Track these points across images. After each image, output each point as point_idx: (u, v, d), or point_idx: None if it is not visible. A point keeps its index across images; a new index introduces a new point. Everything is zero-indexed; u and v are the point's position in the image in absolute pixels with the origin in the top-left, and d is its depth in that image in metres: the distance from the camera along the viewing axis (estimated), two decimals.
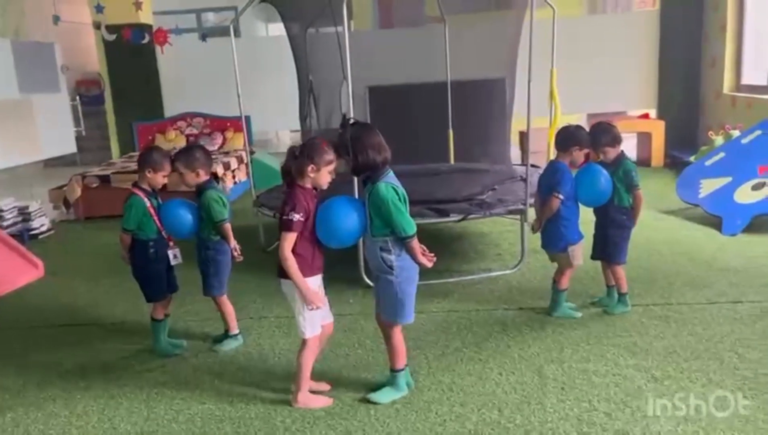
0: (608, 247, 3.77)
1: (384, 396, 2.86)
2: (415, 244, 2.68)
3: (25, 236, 6.18)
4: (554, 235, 3.72)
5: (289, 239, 2.66)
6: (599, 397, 2.87)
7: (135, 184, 3.47)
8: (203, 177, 3.46)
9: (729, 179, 5.75)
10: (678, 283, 4.21)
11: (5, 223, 6.03)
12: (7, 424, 2.93)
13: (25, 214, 6.37)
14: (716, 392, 2.84)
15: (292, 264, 2.67)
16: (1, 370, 3.50)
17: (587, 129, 3.82)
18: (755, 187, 5.48)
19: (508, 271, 4.65)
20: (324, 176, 2.73)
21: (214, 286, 3.56)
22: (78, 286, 4.82)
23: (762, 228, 5.26)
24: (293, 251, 2.68)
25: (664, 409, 2.73)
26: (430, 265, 2.72)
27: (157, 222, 3.43)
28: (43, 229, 6.56)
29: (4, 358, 3.64)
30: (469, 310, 3.97)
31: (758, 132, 6.02)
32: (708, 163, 6.21)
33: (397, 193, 2.66)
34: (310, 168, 2.68)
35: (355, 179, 3.71)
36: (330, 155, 2.70)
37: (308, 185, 2.72)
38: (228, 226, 3.47)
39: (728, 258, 4.66)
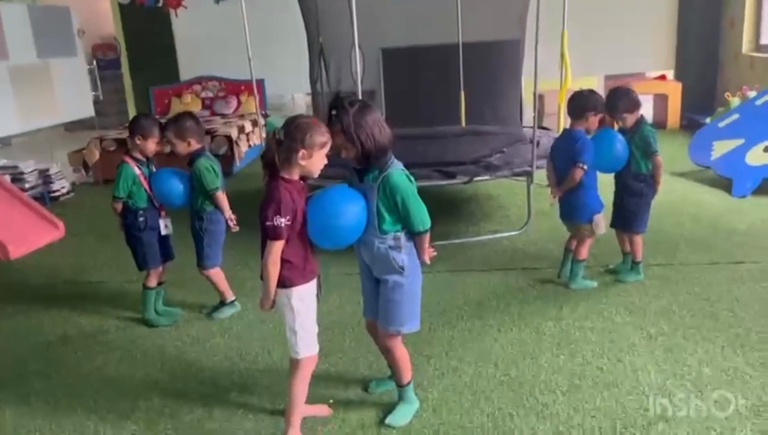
0: (626, 215, 3.69)
1: (401, 417, 2.54)
2: (428, 238, 2.39)
3: (45, 198, 6.37)
4: (578, 206, 3.60)
5: (276, 248, 2.22)
6: (593, 352, 2.97)
7: (127, 152, 3.46)
8: (195, 146, 3.41)
9: (741, 141, 5.71)
10: (682, 244, 4.25)
11: (27, 185, 6.21)
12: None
13: (45, 177, 6.55)
14: (707, 348, 2.92)
15: (273, 275, 2.25)
16: (28, 323, 3.68)
17: (604, 92, 3.75)
18: (767, 150, 5.44)
19: (513, 233, 4.71)
20: (317, 162, 2.26)
21: (209, 256, 3.53)
22: (96, 246, 5.00)
23: None
24: (287, 260, 2.27)
25: (655, 364, 2.82)
26: (429, 262, 2.45)
27: (148, 191, 3.42)
28: (63, 191, 6.75)
29: (28, 312, 3.82)
30: (473, 270, 4.06)
31: None
32: (721, 124, 6.15)
33: (411, 181, 2.33)
34: (300, 154, 2.20)
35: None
36: (324, 136, 2.24)
37: (295, 176, 2.27)
38: (221, 194, 3.44)
39: (734, 220, 4.67)
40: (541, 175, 4.96)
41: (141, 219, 3.43)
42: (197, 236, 3.52)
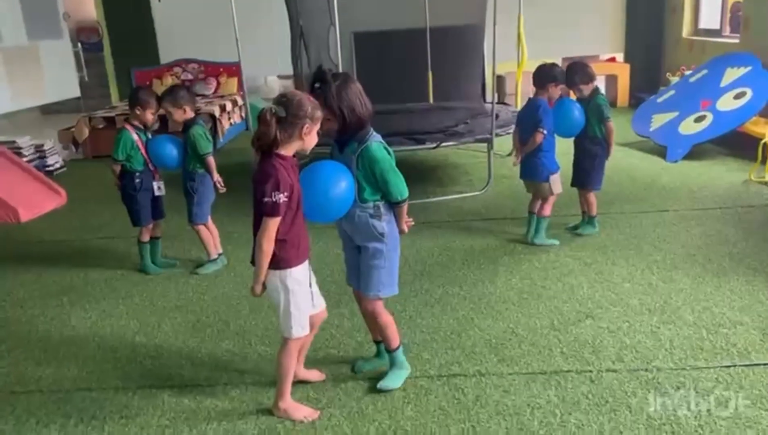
0: (583, 175, 4.14)
1: (394, 380, 2.61)
2: (406, 207, 2.49)
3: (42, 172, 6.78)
4: (535, 167, 3.96)
5: (273, 225, 2.19)
6: (539, 276, 3.63)
7: (127, 120, 3.86)
8: (189, 113, 3.78)
9: (676, 113, 6.46)
10: (619, 198, 4.95)
11: (24, 160, 6.61)
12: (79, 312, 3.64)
13: (41, 152, 6.96)
14: (630, 270, 3.61)
15: (267, 254, 2.23)
16: (46, 273, 4.18)
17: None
18: (697, 120, 6.18)
19: (477, 193, 5.36)
20: (314, 137, 2.29)
21: (198, 214, 3.90)
22: (97, 209, 5.48)
23: (699, 155, 6.00)
24: (283, 239, 2.25)
25: (588, 283, 3.49)
26: (407, 230, 2.54)
27: (144, 155, 3.81)
28: (57, 166, 7.17)
29: (42, 266, 4.32)
30: (441, 220, 4.70)
31: (704, 71, 6.73)
32: (660, 100, 6.92)
33: (389, 153, 2.41)
34: (305, 129, 2.22)
35: None
36: (319, 109, 2.27)
37: (291, 153, 2.26)
38: (212, 159, 3.81)
39: (665, 180, 5.40)
40: (499, 144, 5.63)
41: (137, 180, 3.82)
42: (188, 195, 3.90)
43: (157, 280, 3.89)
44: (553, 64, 4.03)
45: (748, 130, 5.81)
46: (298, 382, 2.62)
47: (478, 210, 4.93)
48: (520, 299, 3.36)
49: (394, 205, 2.46)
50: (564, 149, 4.21)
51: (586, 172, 4.15)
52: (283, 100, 2.21)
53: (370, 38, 7.27)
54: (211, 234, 4.03)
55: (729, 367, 2.63)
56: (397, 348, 2.62)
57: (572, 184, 4.26)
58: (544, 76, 3.92)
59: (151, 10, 9.67)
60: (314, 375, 2.70)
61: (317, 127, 2.28)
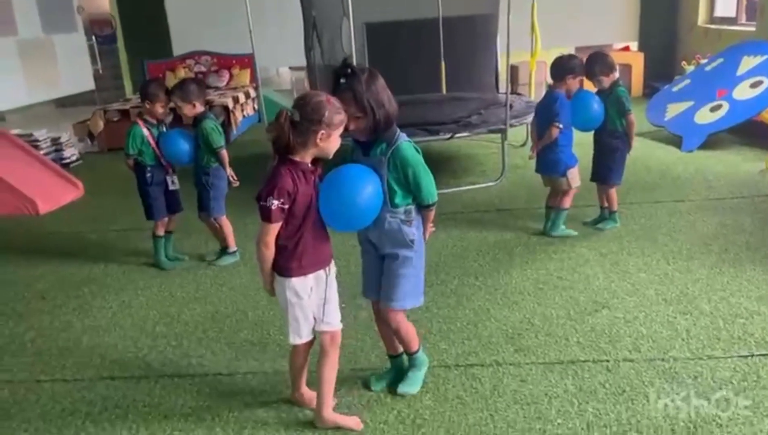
0: (603, 169, 4.02)
1: (413, 384, 2.53)
2: (434, 212, 2.37)
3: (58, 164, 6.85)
4: (553, 162, 3.91)
5: (268, 230, 2.11)
6: (555, 266, 3.64)
7: (139, 115, 3.90)
8: (199, 108, 3.77)
9: (691, 103, 6.41)
10: (635, 188, 4.93)
11: (42, 152, 6.68)
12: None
13: (57, 145, 7.03)
14: (645, 260, 3.61)
15: (265, 259, 2.17)
16: (65, 264, 4.24)
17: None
18: (713, 109, 6.13)
19: (490, 184, 5.36)
20: (334, 142, 2.13)
21: (214, 208, 3.91)
22: (113, 201, 5.53)
23: (714, 145, 5.96)
24: (284, 246, 2.16)
25: (603, 273, 3.50)
26: (427, 237, 2.45)
27: (156, 150, 3.80)
28: (73, 158, 7.24)
29: (61, 257, 4.38)
30: (455, 211, 4.71)
31: (720, 60, 6.67)
32: (675, 89, 6.87)
33: (419, 153, 2.26)
34: (320, 135, 2.07)
35: None
36: (341, 114, 2.10)
37: (307, 159, 2.13)
38: (225, 152, 3.81)
39: (680, 169, 5.38)
40: (513, 135, 5.63)
41: (149, 175, 3.83)
42: (204, 190, 3.90)
43: (175, 272, 3.94)
44: (571, 56, 3.95)
45: (765, 119, 5.76)
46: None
47: (491, 201, 4.93)
48: (536, 290, 3.37)
49: (423, 209, 2.33)
50: (580, 141, 4.13)
51: (607, 167, 4.03)
52: (300, 102, 2.08)
53: (383, 29, 7.26)
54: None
55: (746, 356, 2.63)
56: (418, 350, 2.53)
57: (592, 179, 4.16)
58: (562, 67, 3.83)
59: (163, 2, 9.70)
60: (347, 421, 2.37)
61: (337, 132, 2.11)
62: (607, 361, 2.67)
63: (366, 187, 2.15)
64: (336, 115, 2.08)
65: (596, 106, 3.87)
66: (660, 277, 3.41)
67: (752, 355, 2.63)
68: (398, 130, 2.26)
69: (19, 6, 7.08)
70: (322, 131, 2.06)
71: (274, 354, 2.90)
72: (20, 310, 3.55)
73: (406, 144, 2.22)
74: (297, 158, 2.10)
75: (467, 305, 3.25)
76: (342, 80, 2.18)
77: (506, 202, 4.86)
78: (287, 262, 2.18)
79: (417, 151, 2.25)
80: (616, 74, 3.93)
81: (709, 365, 2.59)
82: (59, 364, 2.94)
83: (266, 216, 2.09)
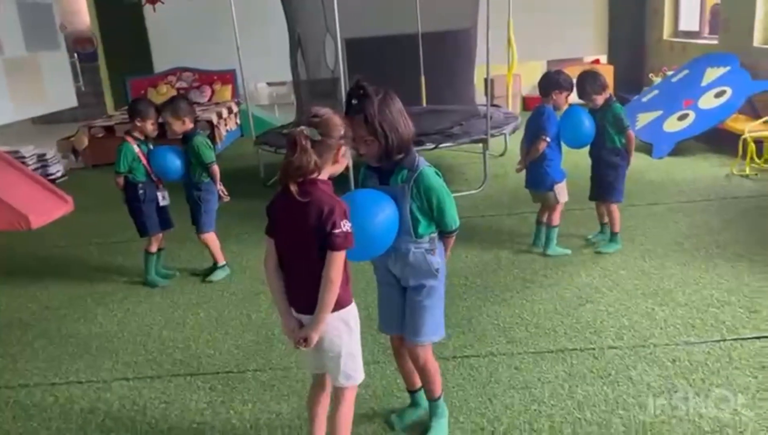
0: (603, 187, 3.95)
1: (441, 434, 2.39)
2: (454, 238, 2.26)
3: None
4: (540, 176, 3.88)
5: (341, 259, 1.91)
6: (540, 265, 3.86)
7: (128, 132, 3.85)
8: (188, 124, 3.80)
9: (660, 112, 6.74)
10: None
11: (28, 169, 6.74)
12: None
13: (43, 161, 7.09)
14: (624, 259, 3.86)
15: (334, 295, 1.93)
16: (66, 276, 4.34)
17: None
18: (680, 118, 6.46)
19: (473, 191, 5.59)
20: (344, 159, 2.01)
21: (206, 223, 3.93)
22: (102, 216, 5.60)
23: (683, 151, 6.29)
24: None
25: (585, 271, 3.73)
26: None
27: (147, 166, 3.82)
28: (59, 174, 7.30)
29: (61, 270, 4.48)
30: None
31: (686, 71, 7.03)
32: (644, 99, 7.21)
33: (440, 178, 2.15)
34: (342, 150, 1.96)
35: None
36: (348, 128, 1.99)
37: (326, 177, 1.97)
38: (216, 168, 3.85)
39: (652, 175, 5.68)
40: (493, 145, 5.87)
41: (141, 192, 3.84)
42: (195, 205, 3.93)
43: (175, 282, 4.06)
44: (558, 71, 3.95)
45: (729, 126, 6.09)
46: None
47: (476, 207, 5.15)
48: (524, 287, 3.58)
49: (445, 236, 2.22)
50: (575, 160, 4.20)
51: (609, 184, 3.94)
52: (315, 120, 1.90)
53: (362, 45, 7.45)
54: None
55: (719, 341, 2.87)
56: (440, 397, 2.39)
57: (591, 198, 4.09)
58: (548, 83, 3.85)
59: (144, 20, 9.83)
60: None
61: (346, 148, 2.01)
62: (594, 349, 2.88)
63: (382, 212, 2.04)
64: (348, 130, 1.97)
65: (587, 122, 3.82)
66: (638, 273, 3.65)
67: (724, 340, 2.87)
68: (417, 154, 2.15)
69: (3, 24, 7.14)
70: (343, 145, 1.96)
71: (281, 352, 3.06)
72: (27, 320, 3.66)
73: (428, 169, 2.11)
74: (323, 177, 1.95)
75: (460, 303, 3.44)
76: (354, 101, 2.05)
77: (489, 209, 5.08)
78: (344, 290, 1.98)
79: (438, 175, 2.15)
80: (609, 92, 3.90)
81: (686, 350, 2.82)
82: (72, 368, 3.06)
83: (347, 241, 1.89)
